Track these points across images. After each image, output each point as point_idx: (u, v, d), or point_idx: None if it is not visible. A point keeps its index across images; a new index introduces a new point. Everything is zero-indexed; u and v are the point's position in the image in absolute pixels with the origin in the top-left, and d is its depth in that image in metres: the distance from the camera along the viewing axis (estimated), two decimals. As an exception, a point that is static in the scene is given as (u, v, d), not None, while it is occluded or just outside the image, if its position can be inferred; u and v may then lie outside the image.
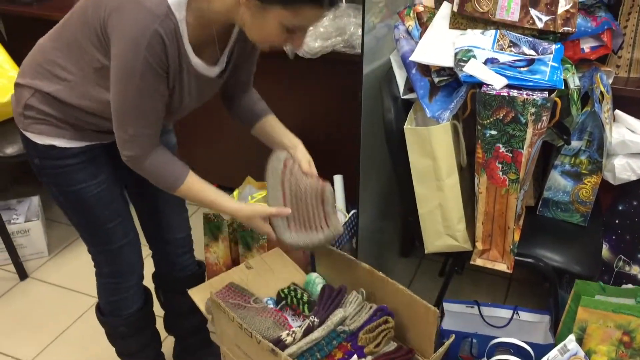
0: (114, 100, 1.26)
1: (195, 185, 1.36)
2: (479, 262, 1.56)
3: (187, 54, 1.26)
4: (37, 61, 1.36)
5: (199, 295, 1.49)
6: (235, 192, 2.21)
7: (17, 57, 2.23)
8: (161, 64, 1.22)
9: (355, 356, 1.27)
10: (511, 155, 1.39)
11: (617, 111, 1.68)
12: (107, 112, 1.29)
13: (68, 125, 1.37)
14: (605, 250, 1.86)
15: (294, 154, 1.44)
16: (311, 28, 1.34)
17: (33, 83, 1.36)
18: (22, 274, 2.29)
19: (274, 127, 1.50)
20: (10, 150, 2.08)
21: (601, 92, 1.53)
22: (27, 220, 2.33)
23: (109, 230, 1.48)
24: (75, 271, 2.32)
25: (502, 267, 1.54)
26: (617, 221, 1.82)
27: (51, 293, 2.24)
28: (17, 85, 1.40)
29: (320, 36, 2.02)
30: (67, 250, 2.44)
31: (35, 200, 2.43)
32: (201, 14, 1.23)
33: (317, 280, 1.49)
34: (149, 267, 1.66)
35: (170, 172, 1.34)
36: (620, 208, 1.81)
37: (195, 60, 1.28)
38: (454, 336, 1.36)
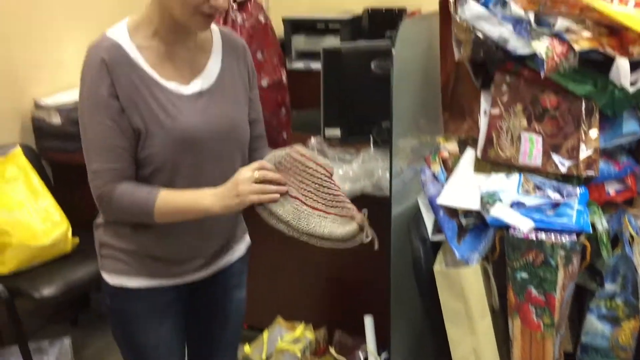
0: (82, 137, 1.32)
1: (169, 195, 1.31)
2: (518, 411, 1.48)
3: (149, 76, 1.31)
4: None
5: None
6: (265, 333, 2.19)
7: (63, 202, 2.35)
8: (107, 90, 1.26)
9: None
10: (544, 298, 1.37)
11: (650, 252, 1.66)
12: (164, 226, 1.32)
13: (138, 260, 1.40)
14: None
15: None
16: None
17: (101, 219, 1.44)
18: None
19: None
20: (47, 291, 2.12)
21: (630, 235, 1.53)
22: (56, 363, 2.32)
23: None
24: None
25: (544, 417, 1.46)
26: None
27: None
28: (94, 226, 1.47)
29: (350, 179, 2.10)
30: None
31: (67, 342, 2.42)
32: (148, 33, 1.32)
33: None
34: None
35: (140, 195, 1.31)
36: (665, 353, 1.72)
37: (164, 82, 1.32)
38: None
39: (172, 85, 1.34)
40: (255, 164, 1.30)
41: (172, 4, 1.28)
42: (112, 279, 1.43)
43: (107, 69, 1.26)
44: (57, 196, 2.38)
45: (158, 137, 1.31)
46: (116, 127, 1.28)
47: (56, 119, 2.55)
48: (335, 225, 1.25)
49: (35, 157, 2.50)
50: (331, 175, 1.31)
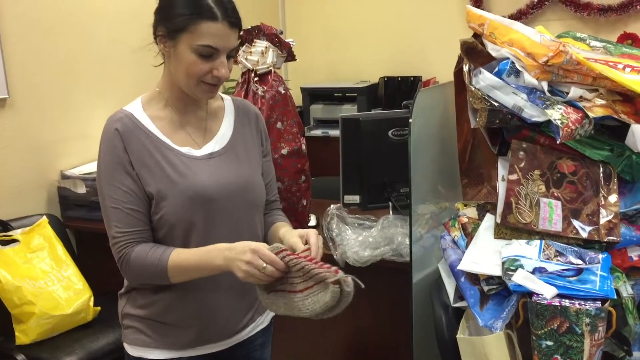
0: (100, 204, 1.38)
1: (182, 254, 1.33)
2: None
3: (162, 142, 1.38)
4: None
5: None
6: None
7: (86, 270, 2.38)
8: (123, 159, 1.33)
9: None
10: (571, 367, 1.34)
11: (679, 318, 1.62)
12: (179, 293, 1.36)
13: (158, 332, 1.41)
14: None
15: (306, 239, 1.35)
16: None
17: (125, 288, 1.47)
18: None
19: (278, 227, 1.48)
20: (68, 360, 2.12)
21: (656, 301, 1.50)
22: None
23: None
24: None
25: None
26: None
27: None
28: (118, 296, 1.50)
29: (370, 245, 2.10)
30: None
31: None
32: (160, 106, 1.41)
33: None
34: None
35: (154, 256, 1.34)
36: None
37: (176, 147, 1.39)
38: None
39: (184, 149, 1.41)
40: (266, 256, 1.26)
41: (178, 76, 1.37)
42: (133, 351, 1.44)
43: (120, 137, 1.35)
44: (80, 265, 2.41)
45: (171, 196, 1.35)
46: (131, 191, 1.35)
47: (81, 189, 2.62)
48: (322, 295, 1.25)
49: (60, 226, 2.55)
50: (285, 248, 1.29)
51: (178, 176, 1.36)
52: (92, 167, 2.67)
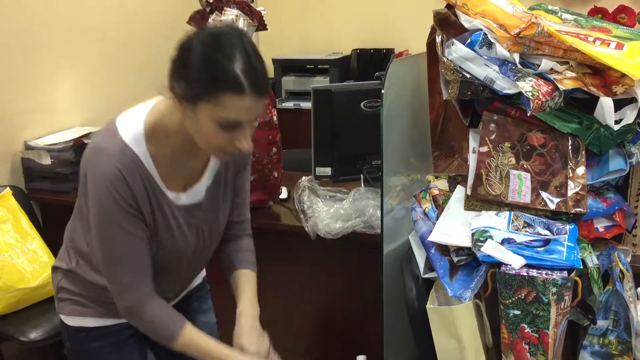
0: (101, 252, 1.25)
1: (194, 335, 1.30)
2: None
3: (158, 186, 1.25)
4: (65, 243, 1.44)
5: None
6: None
7: (52, 243, 2.33)
8: (132, 204, 1.21)
9: None
10: (537, 335, 1.37)
11: (640, 289, 1.67)
12: None
13: (95, 303, 1.40)
14: None
15: (236, 332, 1.36)
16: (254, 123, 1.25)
17: (61, 264, 1.42)
18: None
19: (239, 284, 1.43)
20: (34, 335, 2.08)
21: (621, 271, 1.54)
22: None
23: None
24: None
25: None
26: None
27: None
28: (52, 268, 1.46)
29: (341, 217, 2.10)
30: None
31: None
32: (163, 142, 1.24)
33: None
34: None
35: (168, 322, 1.30)
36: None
37: (168, 193, 1.27)
38: None
39: (172, 195, 1.30)
40: None
41: (195, 137, 1.21)
42: (72, 321, 1.42)
43: (124, 180, 1.20)
44: (46, 237, 2.36)
45: (155, 251, 1.31)
46: (143, 238, 1.26)
47: (46, 160, 2.55)
48: None
49: (24, 198, 2.49)
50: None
51: (169, 237, 1.31)
52: (57, 138, 2.60)
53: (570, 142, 1.52)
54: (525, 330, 1.38)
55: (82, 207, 1.31)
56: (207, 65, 1.12)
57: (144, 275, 1.28)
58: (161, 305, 1.31)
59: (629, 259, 1.64)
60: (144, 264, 1.28)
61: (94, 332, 1.40)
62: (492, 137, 1.53)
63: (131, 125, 1.24)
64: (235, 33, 1.18)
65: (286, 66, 3.94)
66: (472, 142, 1.58)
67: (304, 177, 2.23)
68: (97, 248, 1.26)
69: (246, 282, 1.43)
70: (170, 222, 1.30)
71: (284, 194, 2.38)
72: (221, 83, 1.12)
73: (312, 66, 3.93)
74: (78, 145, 2.55)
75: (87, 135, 2.61)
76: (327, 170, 2.22)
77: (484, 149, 1.53)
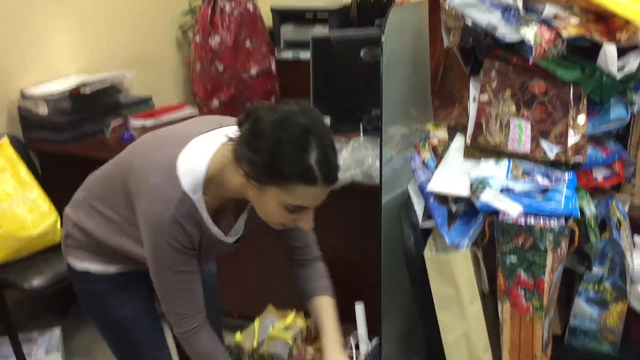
0: (155, 282, 1.30)
1: None
2: (508, 394, 1.50)
3: (207, 225, 1.28)
4: (83, 195, 1.44)
5: None
6: (256, 321, 2.19)
7: (51, 192, 2.34)
8: (186, 245, 1.25)
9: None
10: (533, 282, 1.39)
11: (637, 238, 1.68)
12: (140, 255, 1.32)
13: (103, 255, 1.42)
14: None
15: None
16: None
17: (76, 217, 1.43)
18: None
19: (319, 314, 1.43)
20: (37, 282, 2.11)
21: (618, 219, 1.55)
22: (47, 352, 2.31)
23: (141, 355, 1.49)
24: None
25: (533, 399, 1.48)
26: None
27: None
28: (65, 214, 1.47)
29: (340, 168, 2.10)
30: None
31: (57, 331, 2.42)
32: (219, 193, 1.26)
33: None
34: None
35: (216, 354, 1.36)
36: (651, 336, 1.75)
37: (214, 230, 1.30)
38: None
39: (220, 236, 1.33)
40: None
41: (257, 209, 1.23)
42: (79, 264, 1.44)
43: (181, 226, 1.22)
44: (45, 186, 2.36)
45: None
46: (195, 271, 1.30)
47: (43, 109, 2.52)
48: None
49: (22, 148, 2.47)
50: None
51: (206, 258, 1.37)
52: (54, 87, 2.56)
53: (572, 91, 1.51)
54: (522, 277, 1.40)
55: (117, 187, 1.32)
56: (280, 155, 1.12)
57: (197, 304, 1.32)
58: (212, 336, 1.36)
59: (626, 208, 1.65)
60: (197, 295, 1.32)
61: (99, 276, 1.44)
62: (493, 85, 1.52)
63: (192, 175, 1.23)
64: (311, 118, 1.16)
65: (285, 15, 3.85)
66: (473, 91, 1.57)
67: (302, 127, 2.21)
68: (152, 277, 1.31)
69: (326, 312, 1.43)
70: (202, 250, 1.33)
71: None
72: (294, 174, 1.12)
73: (311, 15, 3.85)
74: (75, 95, 2.53)
75: (84, 85, 2.58)
76: (326, 120, 2.20)
77: (485, 97, 1.52)
